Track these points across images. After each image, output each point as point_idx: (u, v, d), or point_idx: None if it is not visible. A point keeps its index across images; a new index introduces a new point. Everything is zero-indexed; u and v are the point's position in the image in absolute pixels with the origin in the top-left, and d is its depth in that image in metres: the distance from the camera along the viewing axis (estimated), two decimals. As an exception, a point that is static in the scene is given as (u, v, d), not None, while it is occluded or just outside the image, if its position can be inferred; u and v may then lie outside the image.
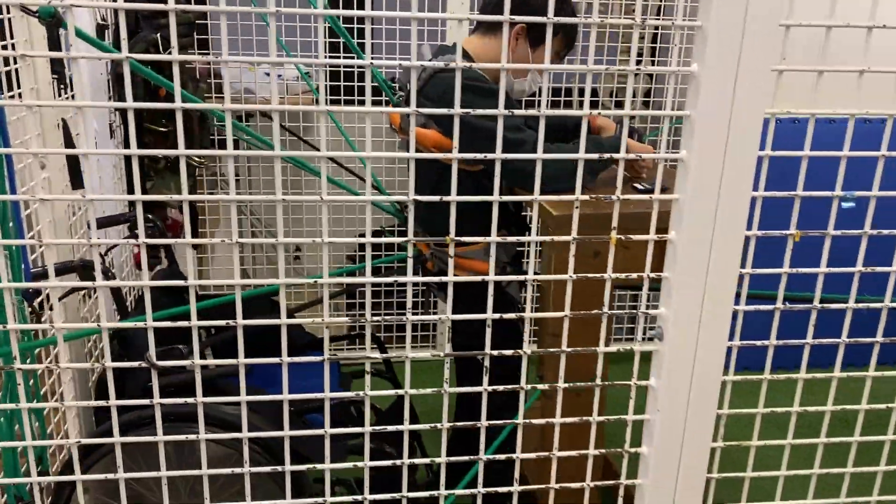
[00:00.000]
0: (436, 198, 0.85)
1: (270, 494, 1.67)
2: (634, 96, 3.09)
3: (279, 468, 0.95)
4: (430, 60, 1.90)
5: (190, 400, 0.91)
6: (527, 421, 0.99)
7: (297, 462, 1.88)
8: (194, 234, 2.35)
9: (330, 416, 1.91)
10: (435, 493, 1.01)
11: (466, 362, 2.18)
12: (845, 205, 0.94)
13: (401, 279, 0.90)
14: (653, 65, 2.76)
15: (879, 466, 1.09)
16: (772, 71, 0.85)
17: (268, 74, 2.90)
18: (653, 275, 0.94)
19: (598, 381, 0.99)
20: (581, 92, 3.27)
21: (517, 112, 0.91)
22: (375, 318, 0.87)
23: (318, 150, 0.85)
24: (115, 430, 0.90)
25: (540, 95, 2.91)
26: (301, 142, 2.95)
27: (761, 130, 0.87)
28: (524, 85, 1.97)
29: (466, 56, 1.92)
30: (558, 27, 1.87)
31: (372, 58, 0.83)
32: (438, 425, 0.98)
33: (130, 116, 0.81)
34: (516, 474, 1.01)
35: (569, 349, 0.97)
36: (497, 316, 0.94)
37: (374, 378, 2.28)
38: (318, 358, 0.92)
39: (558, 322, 1.62)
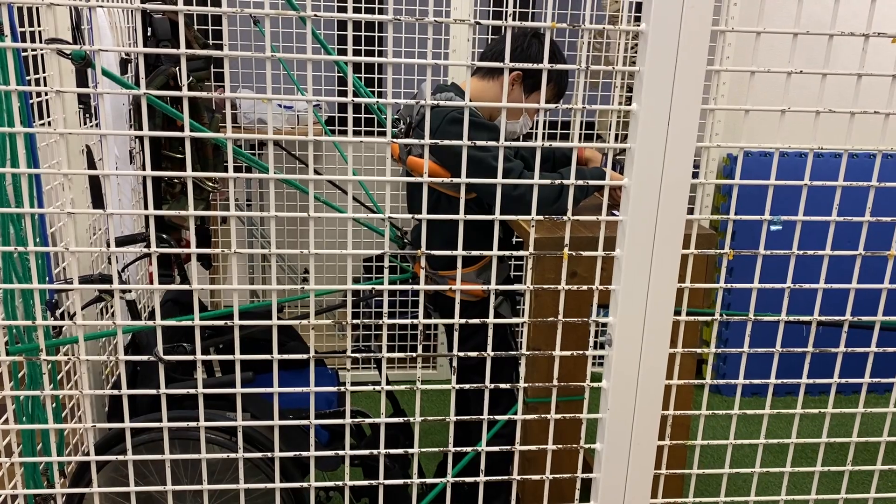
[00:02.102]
0: (407, 216, 0.98)
1: None
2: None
3: (269, 454, 1.07)
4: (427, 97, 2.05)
5: (192, 391, 1.03)
6: (491, 417, 1.11)
7: (300, 472, 2.00)
8: (206, 256, 2.50)
9: (329, 427, 2.03)
10: (408, 481, 1.12)
11: (467, 378, 2.30)
12: (773, 228, 1.05)
13: (378, 288, 1.03)
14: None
15: (816, 467, 1.20)
16: (701, 109, 0.98)
17: (280, 106, 3.07)
18: (601, 287, 1.06)
19: (556, 383, 1.11)
20: (575, 126, 3.42)
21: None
22: (355, 321, 0.99)
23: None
24: (126, 414, 1.02)
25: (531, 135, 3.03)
26: (307, 168, 3.10)
27: (692, 159, 1.00)
28: (515, 126, 2.12)
29: (462, 95, 2.08)
30: (551, 77, 2.01)
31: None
32: (413, 419, 1.10)
33: (146, 143, 0.94)
34: (482, 466, 1.13)
35: (528, 352, 1.09)
36: (464, 321, 1.07)
37: (375, 395, 2.40)
38: (306, 356, 1.05)
39: (537, 338, 1.74)
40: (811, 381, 1.15)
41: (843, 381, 1.17)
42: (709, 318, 1.11)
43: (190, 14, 2.85)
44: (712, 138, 3.10)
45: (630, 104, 1.00)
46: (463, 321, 1.07)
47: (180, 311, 2.20)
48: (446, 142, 1.00)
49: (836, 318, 1.13)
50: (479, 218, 1.04)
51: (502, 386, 1.13)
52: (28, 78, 1.72)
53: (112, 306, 2.32)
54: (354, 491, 2.06)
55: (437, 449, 1.14)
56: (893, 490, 2.58)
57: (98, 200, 2.08)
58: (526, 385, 1.12)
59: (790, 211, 1.07)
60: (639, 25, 0.96)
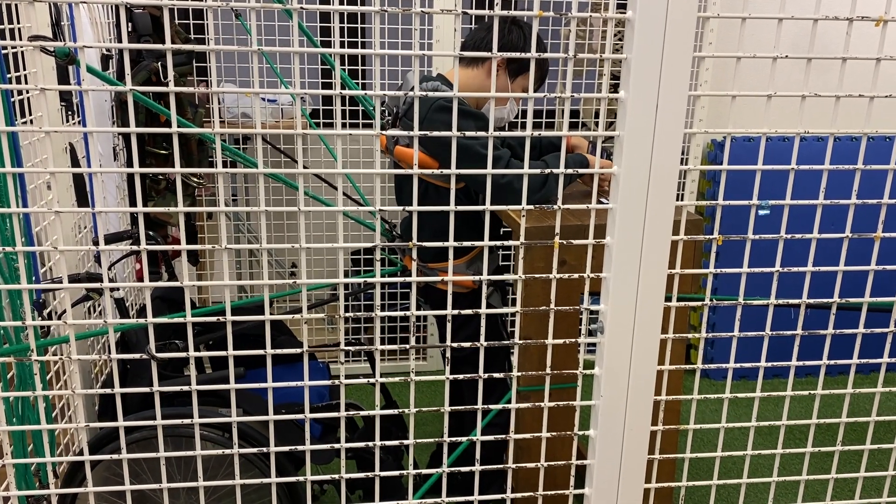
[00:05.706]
0: (396, 209, 0.98)
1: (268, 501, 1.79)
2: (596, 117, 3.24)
3: (265, 449, 1.07)
4: (412, 88, 2.05)
5: (186, 388, 1.03)
6: (485, 407, 1.12)
7: (293, 467, 2.00)
8: (192, 251, 2.49)
9: (321, 420, 2.03)
10: (404, 472, 1.12)
11: (459, 369, 2.31)
12: (762, 212, 1.06)
13: (370, 280, 1.03)
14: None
15: (806, 448, 1.21)
16: (688, 95, 0.99)
17: (264, 100, 3.05)
18: (592, 275, 1.06)
19: (549, 371, 1.12)
20: (561, 114, 3.42)
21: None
22: (347, 314, 0.99)
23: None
24: (119, 413, 1.02)
25: (521, 119, 3.04)
26: (294, 162, 3.09)
27: (681, 145, 1.00)
28: (503, 113, 2.12)
29: (448, 84, 2.07)
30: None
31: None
32: (407, 410, 1.10)
33: (133, 140, 0.94)
34: (477, 455, 1.13)
35: (521, 342, 1.09)
36: (457, 312, 1.07)
37: (367, 386, 2.40)
38: (299, 350, 1.05)
39: (528, 327, 1.74)
40: (801, 363, 1.16)
41: (832, 362, 1.18)
42: (700, 304, 1.12)
43: (171, 8, 2.83)
44: (696, 125, 3.11)
45: (615, 92, 1.00)
46: (455, 312, 1.07)
47: (168, 309, 2.19)
48: (436, 133, 1.00)
49: (824, 300, 1.15)
50: (469, 209, 1.04)
51: (496, 375, 1.14)
52: (9, 76, 1.70)
53: (99, 305, 2.31)
54: (348, 484, 2.06)
55: (432, 440, 1.15)
56: (881, 469, 2.62)
57: (82, 199, 2.06)
58: (519, 374, 1.13)
59: (775, 196, 1.07)
60: (624, 13, 0.96)
